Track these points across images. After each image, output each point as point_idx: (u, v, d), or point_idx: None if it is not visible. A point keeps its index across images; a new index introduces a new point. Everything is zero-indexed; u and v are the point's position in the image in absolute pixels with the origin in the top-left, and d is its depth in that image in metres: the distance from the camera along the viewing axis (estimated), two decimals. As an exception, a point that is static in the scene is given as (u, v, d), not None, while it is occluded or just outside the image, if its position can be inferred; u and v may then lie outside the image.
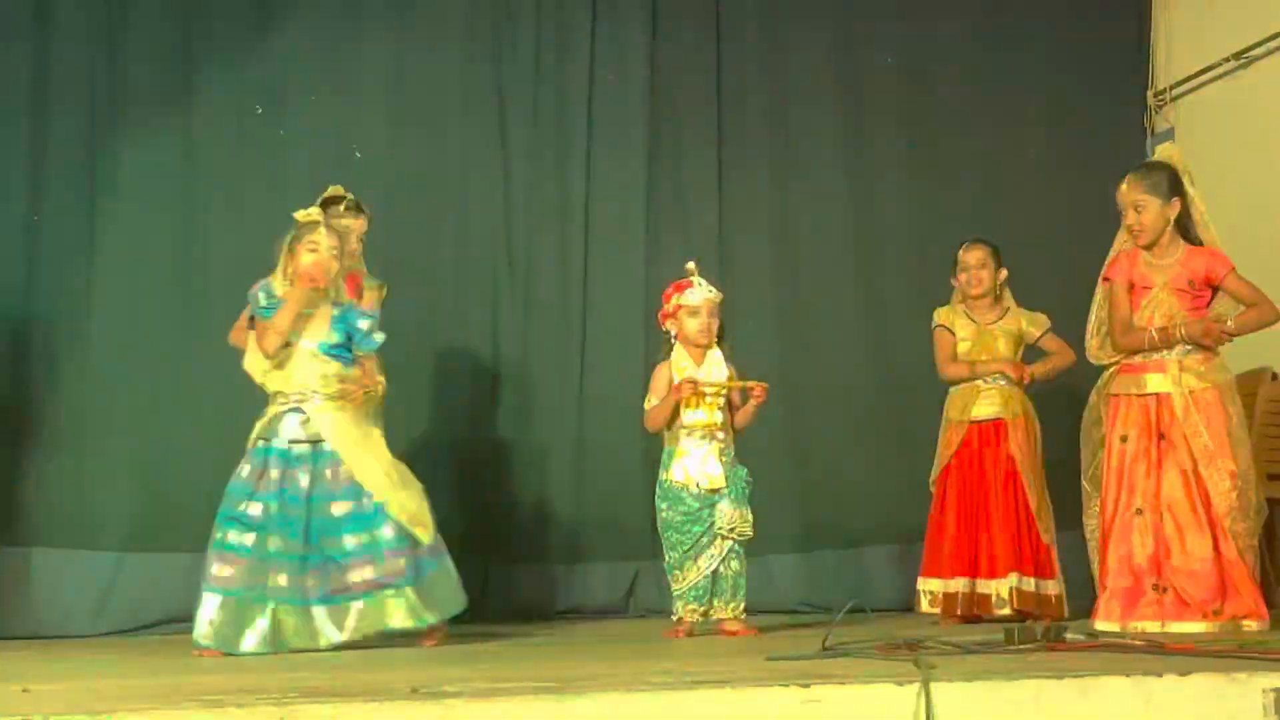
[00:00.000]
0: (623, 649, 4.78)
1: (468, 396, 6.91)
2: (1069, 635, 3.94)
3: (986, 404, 5.98)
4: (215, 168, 6.61)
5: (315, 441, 5.03)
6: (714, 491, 5.31)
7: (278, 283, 5.08)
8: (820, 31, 7.44)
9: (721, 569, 5.30)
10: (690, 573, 5.30)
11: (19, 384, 6.38)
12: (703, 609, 5.29)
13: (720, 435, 5.38)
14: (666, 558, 5.37)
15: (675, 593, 5.33)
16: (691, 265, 5.48)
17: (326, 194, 5.57)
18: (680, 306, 5.43)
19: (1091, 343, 5.25)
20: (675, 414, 5.39)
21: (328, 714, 2.77)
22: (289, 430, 5.03)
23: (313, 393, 5.06)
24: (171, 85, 6.66)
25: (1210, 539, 4.85)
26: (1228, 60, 6.89)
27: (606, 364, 6.96)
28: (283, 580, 4.89)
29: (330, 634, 4.90)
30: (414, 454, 6.59)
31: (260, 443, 5.04)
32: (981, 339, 6.05)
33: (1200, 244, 5.07)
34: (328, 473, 5.02)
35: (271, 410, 5.07)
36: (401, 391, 6.32)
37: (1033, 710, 3.00)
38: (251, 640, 4.83)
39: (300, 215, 5.15)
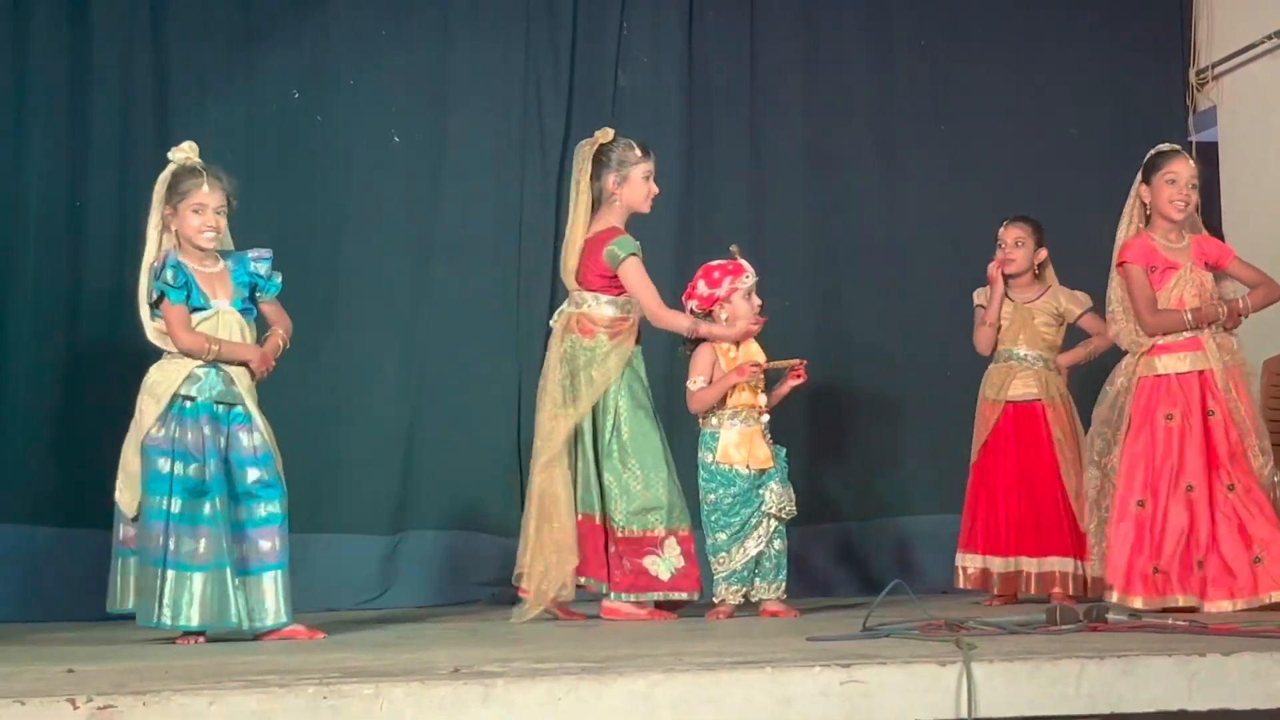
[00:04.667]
0: (664, 629, 4.78)
1: (501, 383, 6.90)
2: (1111, 615, 3.93)
3: (1022, 384, 5.94)
4: (253, 154, 6.61)
5: (231, 403, 4.76)
6: (763, 472, 5.31)
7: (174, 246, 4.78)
8: (854, 13, 7.42)
9: (765, 549, 5.30)
10: (737, 555, 5.29)
11: (71, 366, 6.39)
12: (744, 590, 5.30)
13: (763, 416, 5.38)
14: (710, 540, 5.35)
15: (718, 575, 5.33)
16: (735, 248, 5.47)
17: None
18: (735, 289, 5.40)
19: (1126, 328, 5.19)
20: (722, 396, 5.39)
21: (370, 693, 2.78)
22: (212, 388, 4.71)
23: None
24: (209, 72, 6.67)
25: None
26: (1270, 38, 6.84)
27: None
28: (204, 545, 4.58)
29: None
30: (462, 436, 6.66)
31: (184, 401, 4.68)
32: (1018, 317, 5.99)
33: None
34: (243, 436, 4.74)
35: (183, 366, 4.71)
36: (434, 378, 6.35)
37: (1075, 690, 3.00)
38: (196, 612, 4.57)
39: (176, 155, 4.83)
